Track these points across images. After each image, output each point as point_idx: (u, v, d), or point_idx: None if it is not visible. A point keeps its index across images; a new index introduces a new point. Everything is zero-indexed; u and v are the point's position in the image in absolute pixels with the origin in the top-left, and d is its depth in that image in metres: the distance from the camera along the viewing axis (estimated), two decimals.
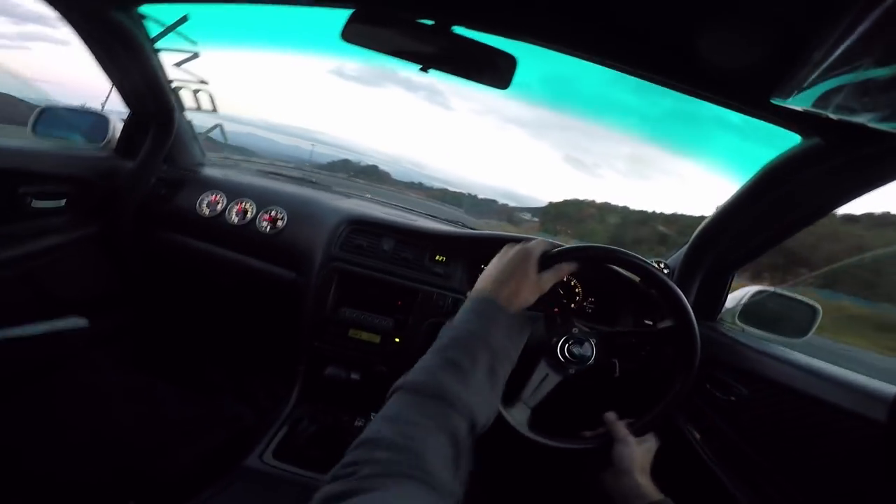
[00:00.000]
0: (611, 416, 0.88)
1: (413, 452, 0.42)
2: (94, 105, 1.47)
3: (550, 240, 0.83)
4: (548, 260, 0.74)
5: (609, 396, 1.06)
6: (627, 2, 0.68)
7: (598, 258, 0.82)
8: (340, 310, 1.31)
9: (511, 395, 0.87)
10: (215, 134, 1.60)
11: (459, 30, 0.83)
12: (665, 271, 1.28)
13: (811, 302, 1.17)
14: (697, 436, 1.08)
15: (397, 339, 1.28)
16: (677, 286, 0.85)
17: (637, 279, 1.21)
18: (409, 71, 0.91)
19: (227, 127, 1.63)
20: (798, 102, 0.55)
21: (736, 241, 1.13)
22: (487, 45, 0.84)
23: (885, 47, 0.41)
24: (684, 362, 0.87)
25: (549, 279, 0.72)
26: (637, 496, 0.75)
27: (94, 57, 1.25)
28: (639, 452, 0.82)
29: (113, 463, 1.22)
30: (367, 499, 0.36)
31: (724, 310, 1.23)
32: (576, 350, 0.92)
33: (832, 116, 0.53)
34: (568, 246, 0.78)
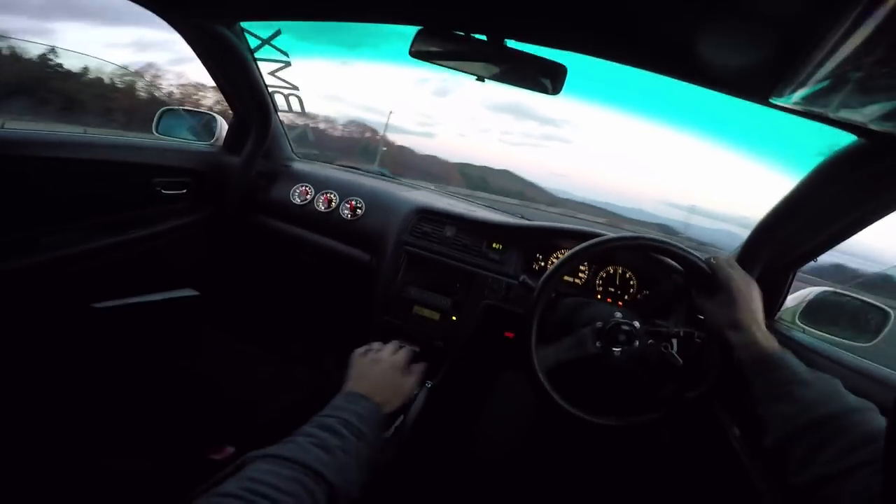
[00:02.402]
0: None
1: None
2: None
3: None
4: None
5: (644, 384, 1.11)
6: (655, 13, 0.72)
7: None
8: (407, 288, 1.44)
9: (548, 339, 0.96)
10: (304, 134, 1.82)
11: (512, 43, 0.91)
12: None
13: (882, 305, 1.12)
14: (736, 430, 1.10)
15: (454, 318, 1.40)
16: None
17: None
18: None
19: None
20: (797, 101, 0.56)
21: (795, 239, 1.10)
22: (538, 56, 0.92)
23: (887, 47, 0.42)
24: (722, 353, 0.92)
25: (410, 385, 0.87)
26: (744, 349, 0.80)
27: (205, 66, 1.47)
28: (722, 309, 0.86)
29: (212, 412, 1.44)
30: None
31: (784, 308, 1.21)
32: (622, 335, 0.98)
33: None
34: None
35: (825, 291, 1.17)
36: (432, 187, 1.88)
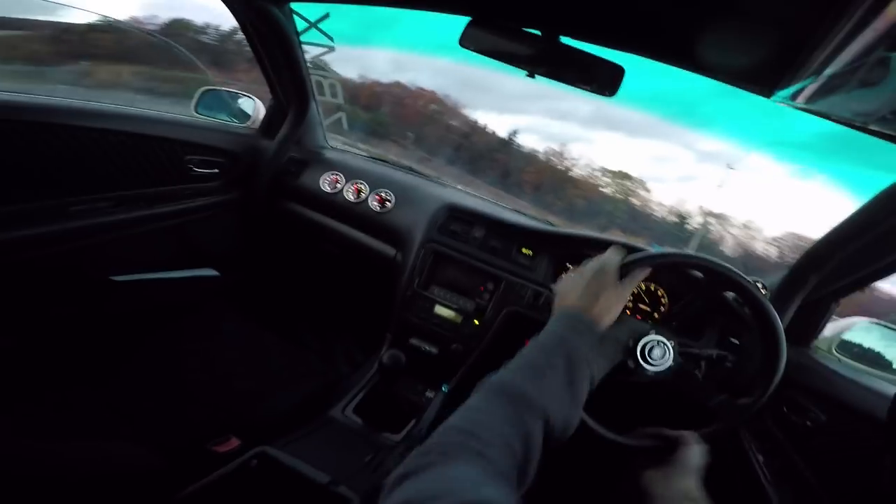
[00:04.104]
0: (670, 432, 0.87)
1: (479, 438, 0.45)
2: None
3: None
4: (625, 268, 0.76)
5: (670, 407, 1.07)
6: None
7: (674, 264, 0.83)
8: (430, 287, 1.42)
9: None
10: (338, 122, 1.82)
11: (566, 40, 0.89)
12: (763, 291, 1.23)
13: None
14: (760, 457, 1.06)
15: (476, 322, 1.37)
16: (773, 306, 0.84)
17: (727, 291, 1.16)
18: None
19: None
20: (799, 100, 0.55)
21: (844, 268, 1.05)
22: (593, 55, 0.89)
23: (889, 46, 0.41)
24: (762, 381, 0.86)
25: (628, 287, 0.74)
26: (689, 499, 0.73)
27: (251, 46, 1.47)
28: (700, 459, 0.81)
29: (218, 400, 1.42)
30: (429, 474, 0.40)
31: (821, 337, 1.16)
32: (655, 354, 0.94)
33: None
34: (644, 253, 0.81)
35: (866, 323, 1.13)
36: (459, 186, 1.84)
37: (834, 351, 1.13)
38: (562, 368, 0.58)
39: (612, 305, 0.70)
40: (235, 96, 1.74)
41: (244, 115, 1.72)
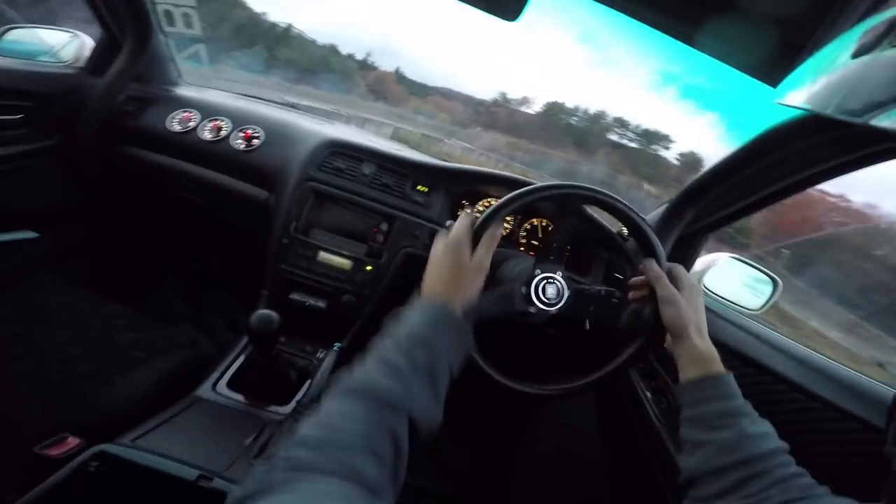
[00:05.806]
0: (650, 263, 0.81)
1: (337, 450, 0.42)
2: None
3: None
4: (477, 234, 0.73)
5: (570, 349, 1.06)
6: None
7: (530, 202, 0.79)
8: (311, 232, 1.26)
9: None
10: (195, 56, 1.56)
11: None
12: None
13: (773, 275, 1.19)
14: (648, 395, 1.09)
15: (369, 268, 1.24)
16: None
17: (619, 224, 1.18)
18: None
19: None
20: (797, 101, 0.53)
21: (715, 204, 1.12)
22: None
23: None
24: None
25: (483, 256, 0.71)
26: (696, 362, 0.69)
27: None
28: (689, 311, 0.74)
29: (51, 391, 1.13)
30: (279, 497, 0.36)
31: (692, 272, 1.23)
32: (549, 290, 0.90)
33: None
34: (491, 208, 0.76)
35: (728, 258, 1.21)
36: (352, 124, 1.69)
37: (702, 284, 1.20)
38: (422, 365, 0.55)
39: (466, 285, 0.68)
40: (53, 33, 1.41)
41: (66, 54, 1.40)
